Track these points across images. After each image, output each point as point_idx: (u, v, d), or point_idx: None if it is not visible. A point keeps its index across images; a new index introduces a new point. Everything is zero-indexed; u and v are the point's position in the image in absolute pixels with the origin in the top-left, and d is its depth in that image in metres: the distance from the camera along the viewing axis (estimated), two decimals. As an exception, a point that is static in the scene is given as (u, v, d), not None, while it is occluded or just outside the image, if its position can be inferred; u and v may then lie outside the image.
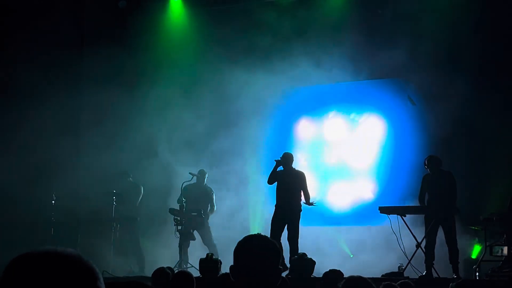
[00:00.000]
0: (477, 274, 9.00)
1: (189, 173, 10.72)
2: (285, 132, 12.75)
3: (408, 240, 9.00)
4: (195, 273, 7.93)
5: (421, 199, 9.24)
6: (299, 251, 8.95)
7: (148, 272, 8.46)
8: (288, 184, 9.53)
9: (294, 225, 9.39)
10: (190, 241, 10.54)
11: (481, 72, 11.08)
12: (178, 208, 10.47)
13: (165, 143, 12.05)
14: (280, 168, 9.67)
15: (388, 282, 4.62)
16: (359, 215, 11.81)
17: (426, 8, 11.38)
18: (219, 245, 10.64)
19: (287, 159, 9.68)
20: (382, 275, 8.52)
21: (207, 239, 10.63)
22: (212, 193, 10.98)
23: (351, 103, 12.45)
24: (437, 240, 8.96)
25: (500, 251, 8.68)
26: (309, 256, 8.51)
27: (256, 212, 12.26)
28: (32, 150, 10.86)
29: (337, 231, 11.80)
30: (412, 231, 8.98)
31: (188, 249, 10.48)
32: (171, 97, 12.22)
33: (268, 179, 9.74)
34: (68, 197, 11.11)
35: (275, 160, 9.70)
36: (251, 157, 12.28)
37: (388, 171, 11.88)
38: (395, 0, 11.66)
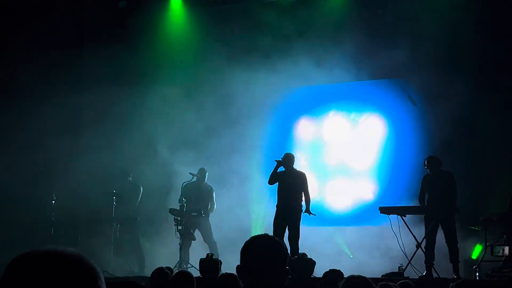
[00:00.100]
0: (477, 274, 9.00)
1: (189, 173, 10.72)
2: (285, 132, 12.74)
3: (408, 240, 9.00)
4: (195, 273, 7.93)
5: (421, 199, 9.24)
6: (299, 251, 8.95)
7: (148, 272, 8.44)
8: (289, 184, 9.53)
9: (295, 226, 9.39)
10: (191, 241, 10.55)
11: (481, 72, 11.07)
12: (179, 208, 10.46)
13: (165, 143, 12.05)
14: (281, 168, 9.67)
15: (385, 282, 4.61)
16: (359, 216, 11.81)
17: (426, 8, 11.37)
18: (219, 245, 10.64)
19: (288, 159, 9.68)
20: (382, 275, 8.52)
21: (207, 238, 10.64)
22: (212, 192, 10.98)
23: (351, 103, 12.44)
24: (437, 240, 8.96)
25: (501, 251, 8.67)
26: (309, 256, 8.52)
27: (256, 212, 12.25)
28: (32, 150, 10.85)
29: (337, 231, 11.79)
30: (412, 231, 8.98)
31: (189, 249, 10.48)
32: (171, 97, 12.21)
33: (269, 179, 9.74)
34: (68, 197, 11.10)
35: (275, 161, 9.70)
36: (251, 156, 12.27)
37: (388, 171, 11.87)
38: (396, 0, 11.65)
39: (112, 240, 10.73)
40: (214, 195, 10.98)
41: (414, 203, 9.54)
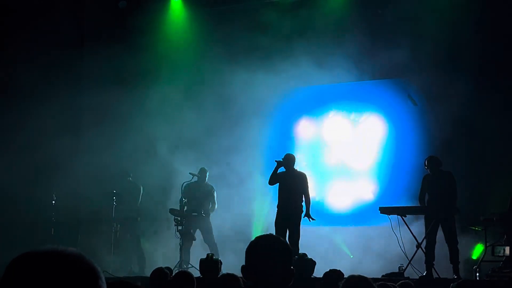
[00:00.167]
0: (477, 274, 8.99)
1: (190, 173, 10.72)
2: (286, 132, 12.75)
3: (409, 240, 9.00)
4: (196, 273, 7.92)
5: (421, 199, 9.24)
6: (299, 251, 8.95)
7: (149, 272, 8.43)
8: (289, 185, 9.54)
9: (295, 226, 9.39)
10: (192, 241, 10.54)
11: (481, 72, 11.07)
12: (183, 208, 10.47)
13: (165, 143, 12.05)
14: (282, 169, 9.67)
15: (382, 282, 4.61)
16: (359, 216, 11.80)
17: (426, 8, 11.36)
18: (219, 245, 10.64)
19: (289, 160, 9.69)
20: (383, 276, 8.52)
21: (208, 238, 10.63)
22: (213, 191, 10.97)
23: (352, 103, 12.44)
24: (437, 240, 8.96)
25: (502, 251, 8.67)
26: (309, 256, 8.51)
27: (257, 212, 12.25)
28: (32, 150, 10.85)
29: (337, 231, 11.79)
30: (412, 232, 8.98)
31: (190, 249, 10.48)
32: (172, 97, 12.21)
33: (269, 180, 9.75)
34: (68, 197, 11.10)
35: (275, 161, 9.70)
36: (251, 156, 12.26)
37: (388, 172, 11.87)
38: (396, 0, 11.65)
39: (112, 240, 10.73)
40: (215, 195, 10.97)
41: (414, 203, 9.53)
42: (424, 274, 8.76)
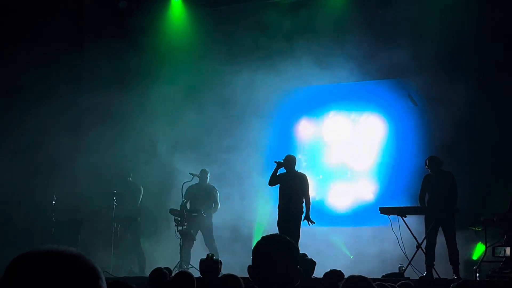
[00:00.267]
0: (477, 275, 8.99)
1: (190, 173, 10.71)
2: (286, 132, 12.75)
3: (409, 240, 8.99)
4: (196, 273, 7.92)
5: (421, 199, 9.24)
6: (299, 252, 8.93)
7: (149, 272, 8.44)
8: (290, 187, 9.55)
9: (295, 227, 9.39)
10: (193, 241, 10.54)
11: (482, 73, 11.07)
12: (183, 209, 10.46)
13: (166, 143, 12.04)
14: (283, 170, 9.67)
15: (379, 283, 4.61)
16: (359, 216, 11.80)
17: (427, 9, 11.35)
18: (219, 245, 10.63)
19: (290, 161, 9.69)
20: (383, 276, 8.52)
21: (208, 241, 10.60)
22: (216, 192, 10.96)
23: (352, 103, 12.44)
24: (438, 240, 8.95)
25: (502, 252, 8.66)
26: (309, 257, 8.51)
27: (257, 212, 12.24)
28: (32, 150, 10.84)
29: (337, 231, 11.79)
30: (413, 232, 8.97)
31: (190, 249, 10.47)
32: (172, 97, 12.20)
33: (269, 181, 9.76)
34: (68, 197, 11.09)
35: (275, 162, 9.70)
36: (251, 156, 12.26)
37: (389, 172, 11.87)
38: (397, 0, 11.64)
39: (112, 240, 10.72)
40: (218, 195, 10.96)
41: (414, 203, 9.54)
42: (424, 274, 8.76)
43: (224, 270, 8.74)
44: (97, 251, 10.09)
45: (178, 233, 10.26)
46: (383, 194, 11.72)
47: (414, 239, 8.92)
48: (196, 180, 10.82)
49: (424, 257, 8.88)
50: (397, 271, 8.84)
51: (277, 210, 9.75)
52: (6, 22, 11.76)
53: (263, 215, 12.07)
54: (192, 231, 10.46)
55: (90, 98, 12.05)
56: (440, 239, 8.96)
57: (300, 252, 9.02)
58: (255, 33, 12.04)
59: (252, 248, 2.47)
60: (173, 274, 7.52)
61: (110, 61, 11.64)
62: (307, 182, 9.67)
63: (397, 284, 5.49)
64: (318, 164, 12.52)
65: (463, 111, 10.68)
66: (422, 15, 11.27)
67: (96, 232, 11.04)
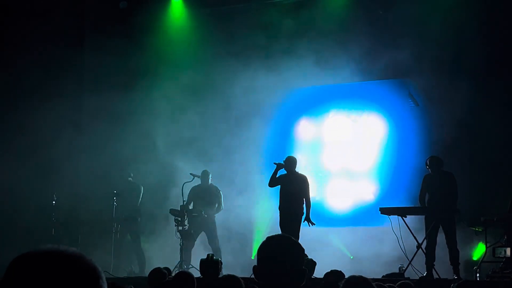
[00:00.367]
0: (477, 275, 8.99)
1: (190, 173, 10.71)
2: (286, 132, 12.74)
3: (409, 241, 8.99)
4: (196, 273, 7.91)
5: (421, 199, 9.24)
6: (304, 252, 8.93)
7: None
8: (290, 188, 9.55)
9: (295, 228, 9.39)
10: (194, 242, 10.53)
11: (483, 73, 11.06)
12: (184, 209, 10.46)
13: (166, 143, 12.04)
14: (283, 171, 9.68)
15: (378, 283, 4.61)
16: (359, 216, 11.79)
17: (430, 9, 11.33)
18: (220, 245, 10.62)
19: (290, 162, 9.69)
20: (383, 276, 8.51)
21: (212, 241, 10.58)
22: (219, 192, 10.93)
23: (352, 103, 12.42)
24: (438, 241, 8.95)
25: (503, 252, 8.66)
26: (309, 257, 8.50)
27: (257, 212, 12.24)
28: (32, 150, 10.85)
29: (338, 232, 11.78)
30: (413, 232, 8.97)
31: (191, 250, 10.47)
32: (172, 97, 12.20)
33: (269, 182, 9.77)
34: (68, 198, 11.09)
35: (274, 163, 9.70)
36: (251, 156, 12.26)
37: (389, 173, 11.86)
38: (400, 1, 11.62)
39: (113, 240, 10.72)
40: (221, 196, 10.93)
41: (414, 204, 9.53)
42: (424, 274, 8.76)
43: (224, 270, 8.75)
44: (97, 251, 10.10)
45: (178, 233, 10.26)
46: (383, 194, 11.71)
47: (414, 239, 8.92)
48: (197, 181, 10.81)
49: (424, 257, 8.87)
50: (397, 271, 8.84)
51: (278, 211, 9.76)
52: (6, 22, 11.76)
53: (263, 215, 12.07)
54: (192, 231, 10.45)
55: (90, 98, 12.06)
56: (441, 239, 8.96)
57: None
58: (255, 33, 12.04)
59: (255, 248, 2.48)
60: (173, 274, 7.52)
61: (111, 61, 11.64)
62: (308, 184, 9.67)
63: (397, 284, 5.49)
64: (318, 164, 12.50)
65: (464, 112, 10.68)
66: (423, 15, 11.26)
67: (96, 232, 11.04)
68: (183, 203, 10.43)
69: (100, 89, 11.82)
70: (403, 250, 8.91)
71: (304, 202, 9.58)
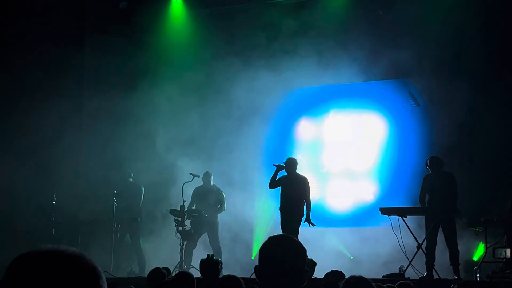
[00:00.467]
0: (477, 275, 8.98)
1: (190, 173, 10.71)
2: (286, 132, 12.74)
3: (409, 241, 8.99)
4: (196, 273, 7.91)
5: (421, 199, 9.24)
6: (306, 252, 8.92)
7: (149, 273, 8.45)
8: (291, 190, 9.55)
9: (295, 229, 9.40)
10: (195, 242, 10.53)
11: (484, 75, 11.06)
12: (184, 210, 10.46)
13: (166, 143, 12.03)
14: (284, 172, 9.68)
15: (377, 283, 4.60)
16: (359, 217, 11.79)
17: (431, 10, 11.33)
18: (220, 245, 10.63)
19: (291, 164, 9.69)
20: (383, 276, 8.51)
21: (213, 241, 10.57)
22: (221, 193, 10.92)
23: (353, 103, 12.42)
24: (438, 241, 8.95)
25: (503, 253, 8.65)
26: (310, 257, 8.51)
27: (257, 212, 12.24)
28: (32, 150, 10.85)
29: (338, 232, 11.77)
30: (413, 232, 8.97)
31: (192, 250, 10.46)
32: (173, 97, 12.20)
33: (269, 183, 9.77)
34: (68, 198, 11.09)
35: (274, 165, 9.70)
36: (252, 156, 12.27)
37: (390, 173, 11.85)
38: (400, 1, 11.62)
39: (113, 240, 10.72)
40: (224, 197, 10.92)
41: (415, 204, 9.53)
42: (424, 275, 8.76)
43: (224, 270, 8.75)
44: (97, 251, 10.09)
45: (178, 234, 10.26)
46: (383, 194, 11.71)
47: (414, 239, 8.92)
48: (197, 181, 10.81)
49: (425, 258, 8.87)
50: (397, 271, 8.84)
51: (278, 211, 9.76)
52: (6, 22, 11.76)
53: (263, 215, 12.07)
54: (193, 231, 10.45)
55: (90, 98, 12.06)
56: (441, 240, 8.95)
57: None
58: (255, 33, 12.04)
59: (255, 248, 2.48)
60: (173, 275, 7.52)
61: (111, 61, 11.64)
62: (308, 185, 9.68)
63: (396, 284, 5.48)
64: (318, 165, 12.50)
65: (464, 113, 10.68)
66: (424, 16, 11.26)
67: (96, 232, 11.04)
68: (183, 203, 10.43)
69: (101, 89, 11.83)
70: (403, 250, 8.91)
71: (305, 203, 9.58)
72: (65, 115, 11.44)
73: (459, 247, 8.86)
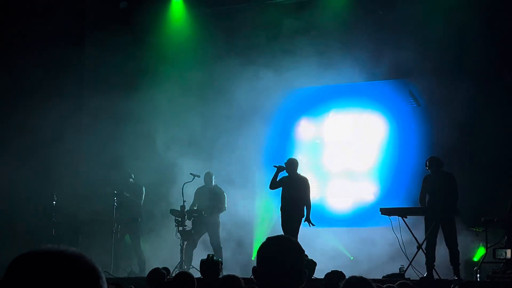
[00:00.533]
0: (478, 275, 8.98)
1: (190, 173, 10.70)
2: (286, 132, 12.73)
3: (409, 241, 8.99)
4: (196, 273, 7.91)
5: (421, 199, 9.24)
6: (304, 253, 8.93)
7: (149, 273, 8.44)
8: (291, 190, 9.56)
9: (295, 229, 9.40)
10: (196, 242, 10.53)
11: (485, 75, 11.06)
12: (189, 210, 10.46)
13: (166, 143, 12.03)
14: (284, 173, 9.68)
15: (376, 284, 4.60)
16: (359, 217, 11.79)
17: (432, 10, 11.32)
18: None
19: (291, 164, 9.70)
20: (383, 277, 8.51)
21: (213, 241, 10.57)
22: (223, 193, 10.90)
23: (353, 103, 12.42)
24: (438, 241, 8.95)
25: (503, 254, 8.65)
26: (310, 258, 8.50)
27: (257, 212, 12.23)
28: (33, 150, 10.84)
29: (338, 232, 11.77)
30: (413, 233, 8.97)
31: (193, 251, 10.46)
32: (173, 97, 12.20)
33: (270, 184, 9.79)
34: (69, 198, 11.09)
35: (274, 166, 9.70)
36: (252, 156, 12.26)
37: (390, 173, 11.85)
38: (401, 1, 11.62)
39: (113, 240, 10.72)
40: (225, 198, 10.91)
41: (415, 205, 9.52)
42: (424, 275, 8.75)
43: (224, 271, 8.75)
44: (97, 251, 10.09)
45: (178, 234, 10.26)
46: (383, 194, 11.71)
47: (414, 239, 8.91)
48: (198, 181, 10.81)
49: (425, 258, 8.87)
50: (397, 271, 8.84)
51: (278, 211, 9.77)
52: (6, 22, 11.76)
53: (263, 215, 12.06)
54: (193, 231, 10.44)
55: (91, 98, 12.06)
56: (441, 240, 8.95)
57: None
58: (256, 33, 12.04)
59: (255, 248, 2.48)
60: (173, 275, 7.52)
61: (111, 61, 11.64)
62: (309, 186, 9.69)
63: (396, 284, 5.48)
64: (318, 165, 12.50)
65: (465, 112, 10.68)
66: (425, 16, 11.26)
67: (96, 232, 11.04)
68: (183, 203, 10.42)
69: (101, 89, 11.82)
70: (403, 251, 8.90)
71: (305, 204, 9.59)
72: (65, 115, 11.44)
73: (459, 248, 8.86)
